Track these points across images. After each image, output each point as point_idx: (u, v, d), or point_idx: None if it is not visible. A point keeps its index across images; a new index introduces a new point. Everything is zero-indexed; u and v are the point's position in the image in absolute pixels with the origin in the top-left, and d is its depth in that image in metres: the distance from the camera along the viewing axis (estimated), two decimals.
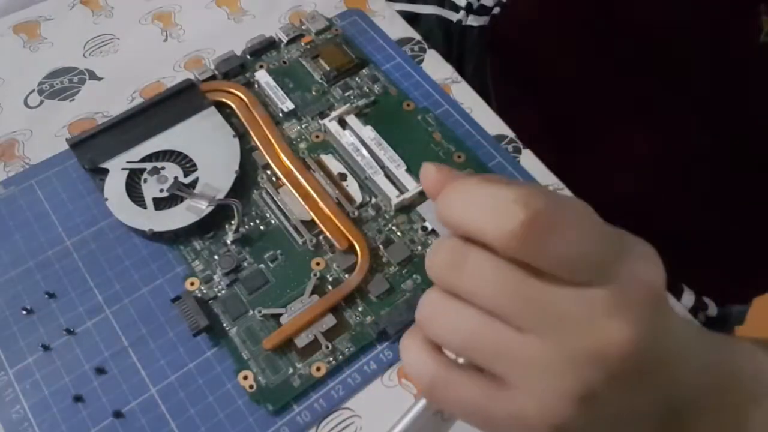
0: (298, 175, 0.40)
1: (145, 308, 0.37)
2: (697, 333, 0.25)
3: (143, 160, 0.40)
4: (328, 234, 0.38)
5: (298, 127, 0.43)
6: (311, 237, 0.38)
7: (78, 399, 0.34)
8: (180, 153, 0.40)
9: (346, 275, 0.37)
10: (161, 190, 0.39)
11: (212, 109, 0.42)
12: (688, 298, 0.48)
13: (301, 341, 0.35)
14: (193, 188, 0.39)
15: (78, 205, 0.40)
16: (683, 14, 0.39)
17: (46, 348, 0.35)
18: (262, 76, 0.45)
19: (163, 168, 0.40)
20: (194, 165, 0.40)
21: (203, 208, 0.38)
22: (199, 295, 0.37)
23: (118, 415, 0.33)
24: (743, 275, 0.53)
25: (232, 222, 0.38)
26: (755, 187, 0.45)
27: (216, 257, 0.38)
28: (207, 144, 0.41)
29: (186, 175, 0.40)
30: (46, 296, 0.37)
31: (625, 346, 0.20)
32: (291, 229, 0.39)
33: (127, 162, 0.40)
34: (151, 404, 0.34)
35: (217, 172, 0.40)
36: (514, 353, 0.21)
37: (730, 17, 0.37)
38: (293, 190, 0.40)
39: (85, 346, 0.35)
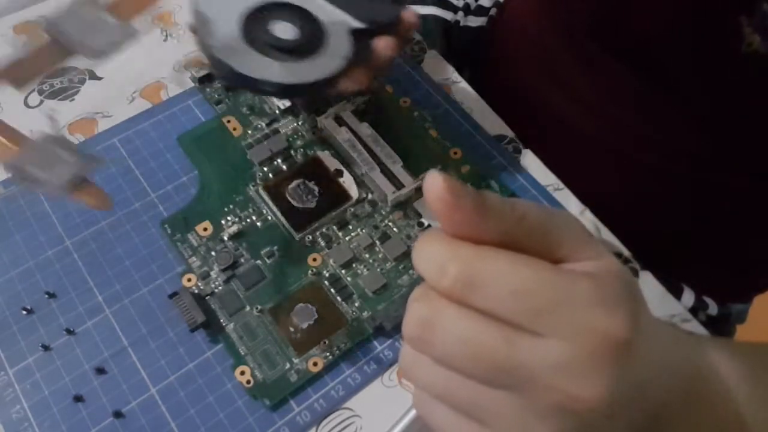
0: None
1: (145, 308, 0.37)
2: (665, 349, 0.24)
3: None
4: None
5: (295, 124, 0.43)
6: None
7: (78, 399, 0.34)
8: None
9: None
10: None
11: None
12: (689, 297, 0.48)
13: None
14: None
15: (78, 204, 0.40)
16: (669, 20, 0.39)
17: (46, 348, 0.35)
18: None
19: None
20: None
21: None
22: (196, 291, 0.37)
23: (118, 415, 0.33)
24: (744, 274, 0.53)
25: None
26: (755, 188, 0.45)
27: (213, 253, 0.38)
28: None
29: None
30: (46, 296, 0.37)
31: (589, 402, 0.21)
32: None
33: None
34: (151, 404, 0.34)
35: None
36: (489, 407, 0.22)
37: (712, 27, 0.37)
38: None
39: (85, 346, 0.35)
